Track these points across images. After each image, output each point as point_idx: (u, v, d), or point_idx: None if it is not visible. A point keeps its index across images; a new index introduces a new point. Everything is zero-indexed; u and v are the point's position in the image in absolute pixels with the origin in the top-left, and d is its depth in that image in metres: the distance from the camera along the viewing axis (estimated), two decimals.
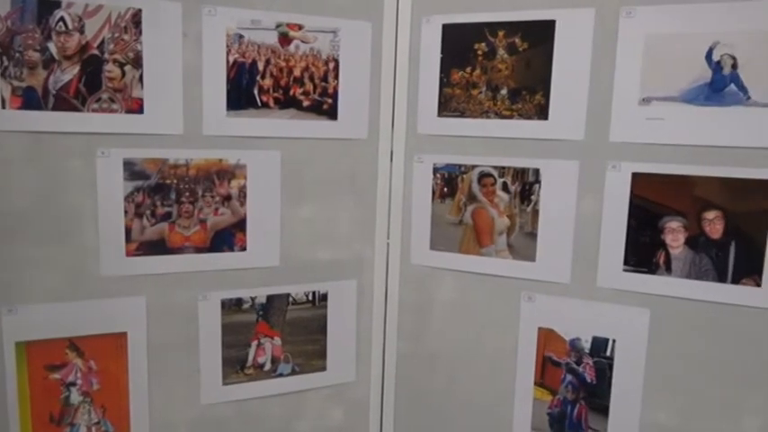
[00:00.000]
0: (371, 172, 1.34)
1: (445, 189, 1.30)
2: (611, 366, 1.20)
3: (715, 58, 1.07)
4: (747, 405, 1.10)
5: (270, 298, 1.29)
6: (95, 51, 1.09)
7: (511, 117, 1.22)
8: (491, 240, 1.27)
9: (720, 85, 1.07)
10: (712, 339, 1.12)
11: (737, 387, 1.11)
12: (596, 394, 1.21)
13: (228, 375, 1.28)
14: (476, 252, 1.28)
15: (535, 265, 1.23)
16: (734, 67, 1.06)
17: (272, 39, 1.22)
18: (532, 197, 1.22)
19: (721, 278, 1.10)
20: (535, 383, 1.26)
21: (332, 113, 1.28)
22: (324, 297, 1.34)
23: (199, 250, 1.21)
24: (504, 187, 1.25)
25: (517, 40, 1.21)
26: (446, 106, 1.28)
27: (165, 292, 1.20)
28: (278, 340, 1.31)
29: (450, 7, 1.25)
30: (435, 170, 1.30)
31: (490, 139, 1.25)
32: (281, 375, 1.32)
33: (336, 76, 1.28)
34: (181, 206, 1.19)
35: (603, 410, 1.21)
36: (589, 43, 1.14)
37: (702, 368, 1.13)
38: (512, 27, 1.20)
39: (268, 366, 1.31)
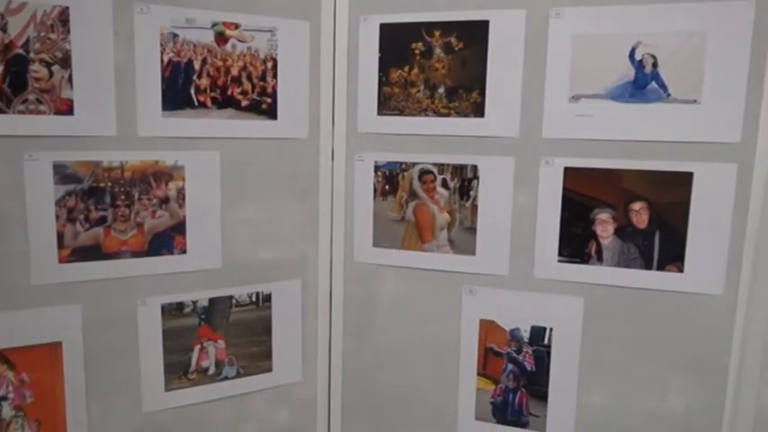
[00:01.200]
0: (313, 171, 1.34)
1: (386, 187, 1.31)
2: (549, 354, 1.25)
3: (637, 57, 1.13)
4: (674, 384, 1.18)
5: (212, 301, 1.27)
6: (20, 51, 1.05)
7: (448, 115, 1.25)
8: (432, 236, 1.29)
9: (643, 82, 1.13)
10: (641, 323, 1.18)
11: (665, 367, 1.18)
12: (536, 381, 1.26)
13: (171, 381, 1.25)
14: (418, 248, 1.31)
15: (475, 259, 1.26)
16: (654, 65, 1.12)
17: (208, 38, 1.20)
18: (471, 193, 1.26)
19: (648, 265, 1.16)
20: (478, 374, 1.30)
21: (271, 113, 1.27)
22: (268, 298, 1.33)
23: (136, 254, 1.18)
24: (444, 184, 1.28)
25: (453, 40, 1.24)
26: (385, 105, 1.29)
27: (102, 299, 1.17)
28: (222, 343, 1.30)
29: (386, 7, 1.26)
30: (376, 168, 1.32)
31: (429, 137, 1.27)
32: (225, 378, 1.31)
33: (275, 76, 1.27)
34: (116, 210, 1.16)
35: (543, 396, 1.26)
36: (521, 43, 1.19)
37: (632, 351, 1.19)
38: (447, 27, 1.23)
39: (212, 370, 1.29)
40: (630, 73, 1.13)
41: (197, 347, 1.27)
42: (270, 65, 1.26)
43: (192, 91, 1.20)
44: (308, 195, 1.35)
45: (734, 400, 1.13)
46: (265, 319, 1.33)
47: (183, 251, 1.22)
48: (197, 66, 1.19)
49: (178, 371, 1.26)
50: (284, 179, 1.32)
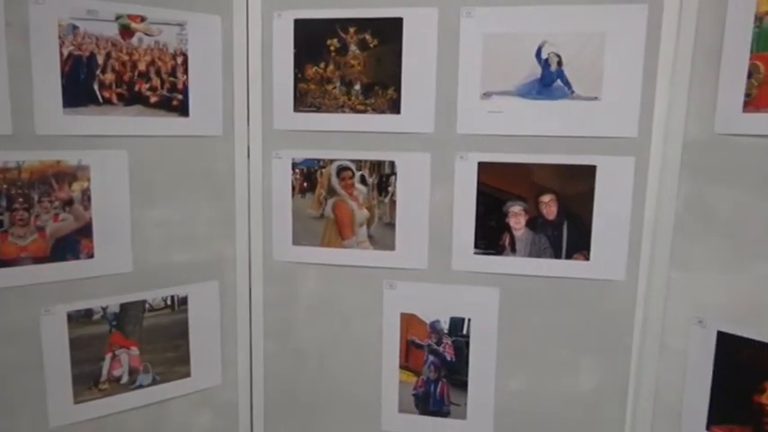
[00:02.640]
0: (228, 169, 1.31)
1: (305, 184, 1.30)
2: (467, 344, 1.28)
3: (543, 56, 1.18)
4: (583, 366, 1.24)
5: (123, 306, 1.22)
6: None
7: (365, 112, 1.26)
8: (352, 232, 1.30)
9: (549, 80, 1.18)
10: (552, 310, 1.24)
11: (575, 351, 1.24)
12: (456, 371, 1.29)
13: (81, 393, 1.18)
14: (338, 245, 1.31)
15: (395, 254, 1.28)
16: (559, 64, 1.18)
17: (111, 31, 1.14)
18: (389, 188, 1.27)
19: (557, 255, 1.22)
20: (400, 367, 1.32)
21: (183, 110, 1.23)
22: (184, 301, 1.29)
23: (38, 260, 1.11)
24: (363, 180, 1.28)
25: (368, 37, 1.24)
26: (302, 102, 1.28)
27: (1, 309, 1.09)
28: (135, 350, 1.24)
29: (301, 2, 1.25)
30: (294, 165, 1.30)
31: (347, 134, 1.27)
32: (140, 387, 1.25)
33: (186, 71, 1.23)
34: (13, 214, 1.08)
35: (463, 385, 1.29)
36: (434, 41, 1.21)
37: (545, 337, 1.25)
38: (362, 24, 1.24)
39: (125, 379, 1.24)
40: (537, 71, 1.18)
41: (108, 356, 1.21)
42: (180, 60, 1.22)
43: (96, 86, 1.14)
44: (223, 194, 1.31)
45: (636, 378, 1.21)
46: (182, 323, 1.29)
47: (91, 255, 1.16)
48: (100, 60, 1.13)
49: (88, 381, 1.19)
50: (198, 178, 1.28)
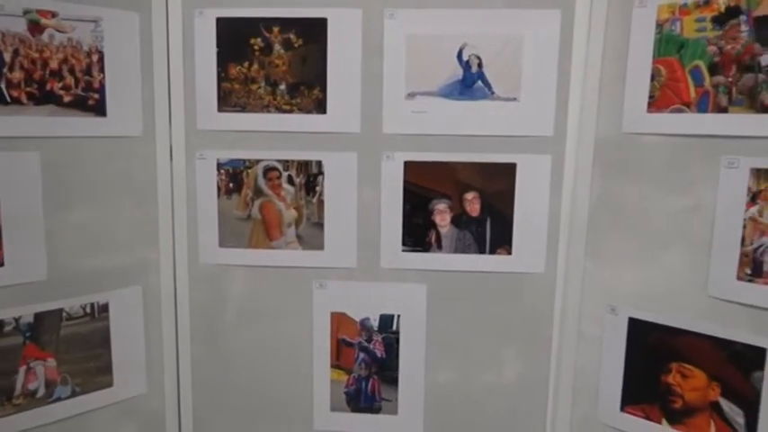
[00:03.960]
0: (150, 171, 1.27)
1: (231, 185, 1.28)
2: (397, 340, 1.30)
3: (464, 57, 1.21)
4: (507, 356, 1.29)
5: (38, 316, 1.16)
6: None
7: (291, 111, 1.25)
8: (280, 233, 1.29)
9: (470, 81, 1.22)
10: (478, 304, 1.28)
11: (499, 342, 1.29)
12: (386, 367, 1.31)
13: None
14: (266, 246, 1.29)
15: (324, 254, 1.28)
16: (480, 66, 1.22)
17: (19, 26, 1.08)
18: (317, 188, 1.27)
19: (481, 250, 1.26)
20: (331, 366, 1.32)
21: (99, 109, 1.19)
22: (104, 308, 1.24)
23: None
24: (290, 180, 1.28)
25: (292, 37, 1.24)
26: (226, 101, 1.26)
27: None
28: (52, 361, 1.18)
29: (223, 1, 1.23)
30: (219, 166, 1.28)
31: (273, 134, 1.26)
32: (58, 399, 1.20)
33: (102, 70, 1.18)
34: None
35: (394, 381, 1.31)
36: (359, 41, 1.22)
37: (471, 330, 1.29)
38: (286, 23, 1.23)
39: (42, 392, 1.18)
40: (459, 72, 1.22)
41: (22, 369, 1.15)
42: (95, 58, 1.17)
43: (3, 85, 1.08)
44: (145, 196, 1.27)
45: (557, 365, 1.27)
46: (102, 331, 1.24)
47: (0, 263, 1.10)
48: (7, 58, 1.07)
49: (0, 397, 1.13)
50: (118, 180, 1.23)
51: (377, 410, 1.32)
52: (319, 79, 1.24)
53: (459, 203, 1.25)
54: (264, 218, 1.29)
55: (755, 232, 1.00)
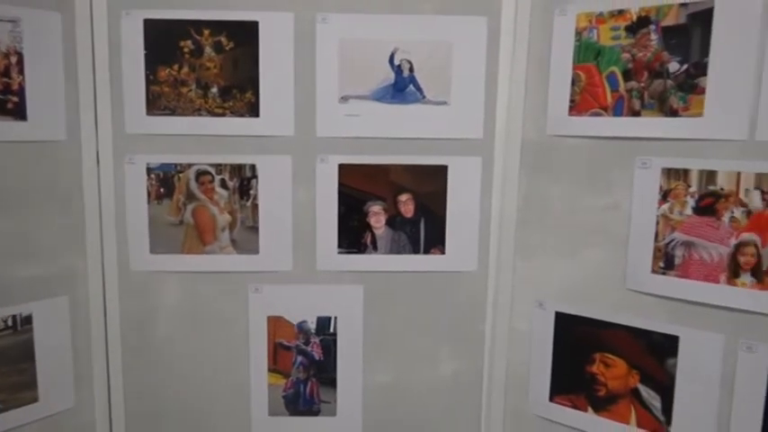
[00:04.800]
0: (75, 176, 1.23)
1: (161, 190, 1.26)
2: (335, 342, 1.31)
3: (396, 62, 1.24)
4: (442, 354, 1.32)
5: None
6: None
7: (223, 115, 1.24)
8: (214, 237, 1.27)
9: (402, 85, 1.24)
10: (413, 303, 1.31)
11: (435, 340, 1.32)
12: (325, 369, 1.32)
13: None
14: (199, 251, 1.28)
15: (259, 257, 1.28)
16: (411, 70, 1.24)
17: None
18: (251, 192, 1.27)
19: (416, 250, 1.29)
20: (269, 370, 1.31)
21: (19, 113, 1.14)
22: (28, 320, 1.19)
23: None
24: (223, 184, 1.26)
25: (223, 39, 1.23)
26: (155, 104, 1.24)
27: None
28: None
29: (151, 2, 1.21)
30: (149, 171, 1.25)
31: (204, 137, 1.25)
32: None
33: (21, 71, 1.14)
34: None
35: (332, 383, 1.32)
36: (291, 45, 1.22)
37: (408, 329, 1.31)
38: (216, 26, 1.22)
39: None
40: (391, 76, 1.24)
41: None
42: (14, 59, 1.13)
43: None
44: (71, 203, 1.23)
45: (490, 360, 1.31)
46: (26, 344, 1.19)
47: None
48: None
49: None
50: (40, 186, 1.19)
51: (316, 413, 1.33)
52: (252, 82, 1.23)
53: (394, 205, 1.28)
54: (197, 223, 1.27)
55: (667, 228, 1.07)
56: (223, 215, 1.27)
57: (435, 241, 1.29)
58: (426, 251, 1.29)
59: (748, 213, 1.00)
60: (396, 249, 1.29)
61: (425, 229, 1.29)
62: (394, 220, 1.28)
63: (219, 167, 1.26)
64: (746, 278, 1.01)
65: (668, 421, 1.11)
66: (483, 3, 1.22)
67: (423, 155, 1.26)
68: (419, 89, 1.25)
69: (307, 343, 1.31)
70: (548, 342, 1.23)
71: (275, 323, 1.30)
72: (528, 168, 1.23)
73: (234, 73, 1.23)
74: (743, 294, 1.01)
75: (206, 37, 1.22)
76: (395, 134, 1.25)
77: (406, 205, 1.28)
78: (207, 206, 1.27)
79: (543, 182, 1.22)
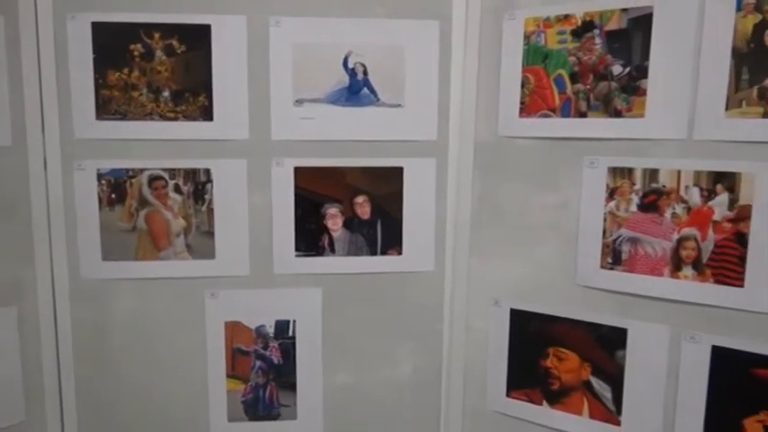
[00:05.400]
0: (21, 183, 1.20)
1: (113, 195, 1.23)
2: (294, 345, 1.31)
3: (350, 65, 1.25)
4: (401, 353, 1.34)
5: None
6: None
7: (176, 119, 1.23)
8: (168, 243, 1.26)
9: (356, 88, 1.25)
10: (372, 304, 1.32)
11: (393, 340, 1.33)
12: (284, 373, 1.31)
13: None
14: (153, 257, 1.26)
15: (215, 262, 1.27)
16: (365, 73, 1.25)
17: None
18: (206, 196, 1.25)
19: (373, 251, 1.30)
20: (227, 376, 1.30)
21: None
22: None
23: None
24: (177, 189, 1.25)
25: (175, 43, 1.21)
26: (105, 109, 1.21)
27: None
28: None
29: (98, 5, 1.18)
30: (100, 176, 1.23)
31: (157, 142, 1.23)
32: None
33: None
34: None
35: (292, 386, 1.32)
36: (244, 48, 1.22)
37: (366, 330, 1.32)
38: (167, 29, 1.21)
39: None
40: (345, 80, 1.25)
41: None
42: None
43: None
44: (16, 210, 1.20)
45: (448, 358, 1.33)
46: None
47: None
48: None
49: None
50: None
51: (276, 417, 1.32)
52: (204, 86, 1.22)
53: (350, 207, 1.28)
54: (151, 228, 1.25)
55: (614, 225, 1.11)
56: (177, 220, 1.25)
57: (392, 242, 1.30)
58: (383, 252, 1.30)
59: (688, 209, 1.04)
60: (353, 251, 1.29)
61: (382, 230, 1.30)
62: (351, 222, 1.29)
63: (173, 172, 1.24)
64: (688, 271, 1.05)
65: (618, 411, 1.15)
66: (435, 7, 1.24)
67: (378, 157, 1.27)
68: (373, 92, 1.26)
69: (265, 347, 1.30)
70: (503, 339, 1.26)
71: (233, 328, 1.29)
72: (481, 169, 1.26)
73: (186, 77, 1.22)
74: (685, 286, 1.06)
75: (156, 40, 1.21)
76: (350, 137, 1.26)
77: (363, 207, 1.29)
78: (160, 211, 1.25)
79: (496, 182, 1.24)
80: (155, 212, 1.25)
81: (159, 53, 1.21)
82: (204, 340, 1.29)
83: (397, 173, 1.28)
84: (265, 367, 1.31)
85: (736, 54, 0.98)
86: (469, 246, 1.28)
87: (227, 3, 1.20)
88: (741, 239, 1.00)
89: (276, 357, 1.31)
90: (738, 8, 0.97)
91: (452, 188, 1.29)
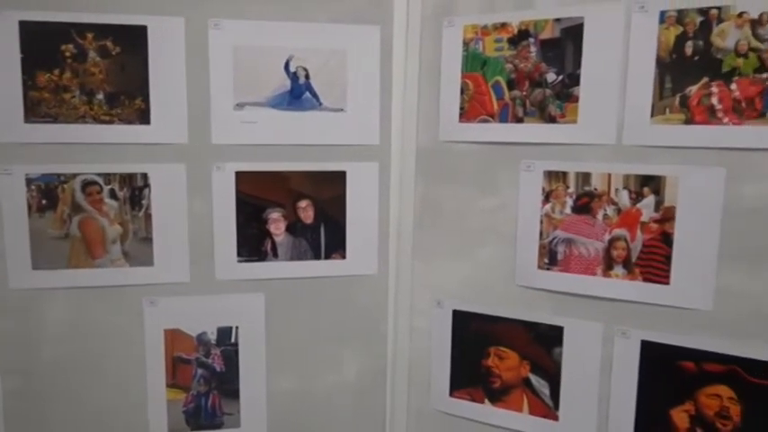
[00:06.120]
0: None
1: (43, 201, 1.18)
2: (237, 352, 1.29)
3: (292, 69, 1.24)
4: (346, 356, 1.34)
5: None
6: None
7: (111, 122, 1.19)
8: (104, 251, 1.22)
9: (298, 92, 1.25)
10: (316, 308, 1.31)
11: (338, 343, 1.33)
12: (227, 381, 1.29)
13: None
14: (88, 265, 1.21)
15: (154, 269, 1.23)
16: (307, 77, 1.25)
17: None
18: (143, 202, 1.22)
19: (317, 256, 1.29)
20: (167, 386, 1.27)
21: None
22: None
23: None
24: (112, 194, 1.21)
25: (109, 44, 1.18)
26: (34, 111, 1.16)
27: None
28: None
29: (26, 3, 1.14)
30: (29, 182, 1.18)
31: (91, 146, 1.19)
32: None
33: None
34: None
35: (235, 394, 1.30)
36: (182, 50, 1.19)
37: (311, 334, 1.32)
38: (101, 30, 1.17)
39: None
40: (287, 83, 1.24)
41: None
42: None
43: None
44: None
45: (392, 360, 1.35)
46: None
47: None
48: None
49: None
50: None
51: (218, 426, 1.30)
52: (141, 89, 1.19)
53: (293, 211, 1.28)
54: (85, 235, 1.21)
55: (550, 227, 1.16)
56: (113, 227, 1.21)
57: (336, 246, 1.30)
58: (327, 256, 1.30)
59: (618, 211, 1.09)
60: (296, 256, 1.29)
61: (326, 234, 1.30)
62: (294, 227, 1.28)
63: (108, 177, 1.20)
64: (619, 270, 1.10)
65: (556, 406, 1.19)
66: (376, 12, 1.25)
67: (321, 161, 1.27)
68: (315, 96, 1.26)
69: (207, 355, 1.28)
70: (446, 339, 1.28)
71: (173, 336, 1.26)
72: (423, 173, 1.28)
73: (121, 79, 1.19)
74: (616, 285, 1.11)
75: (90, 41, 1.17)
76: (292, 141, 1.26)
77: (306, 211, 1.28)
78: (95, 218, 1.21)
79: (438, 186, 1.27)
80: (89, 219, 1.20)
81: (93, 54, 1.17)
82: (143, 350, 1.25)
83: (339, 177, 1.28)
84: (207, 375, 1.28)
85: (660, 64, 1.04)
86: (412, 248, 1.30)
87: (165, 4, 1.18)
88: (667, 239, 1.06)
89: (218, 365, 1.28)
90: (661, 20, 1.03)
91: (395, 192, 1.30)
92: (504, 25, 1.17)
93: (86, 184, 1.19)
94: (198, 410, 1.29)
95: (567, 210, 1.14)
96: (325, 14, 1.24)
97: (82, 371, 1.24)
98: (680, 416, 1.08)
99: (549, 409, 1.20)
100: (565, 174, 1.13)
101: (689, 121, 1.02)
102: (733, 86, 0.99)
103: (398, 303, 1.33)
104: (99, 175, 1.20)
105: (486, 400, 1.26)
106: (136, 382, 1.26)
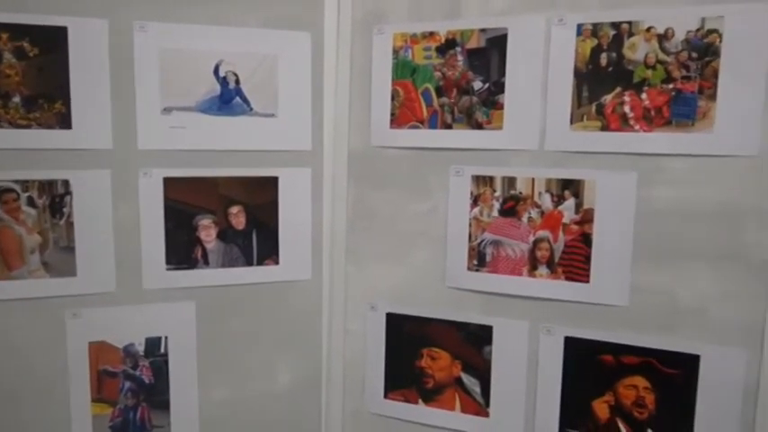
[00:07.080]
0: None
1: None
2: (167, 362, 1.26)
3: (221, 74, 1.23)
4: (280, 362, 1.33)
5: None
6: None
7: (28, 126, 1.14)
8: (22, 261, 1.16)
9: (228, 97, 1.24)
10: (249, 316, 1.30)
11: (272, 350, 1.32)
12: (156, 392, 1.26)
13: None
14: (4, 277, 1.15)
15: (77, 280, 1.18)
16: (237, 82, 1.24)
17: None
18: (65, 210, 1.17)
19: (249, 262, 1.28)
20: (92, 400, 1.22)
21: None
22: None
23: None
24: (31, 202, 1.15)
25: (26, 45, 1.13)
26: None
27: None
28: None
29: None
30: None
31: (6, 151, 1.13)
32: None
33: None
34: None
35: (165, 406, 1.26)
36: (106, 53, 1.16)
37: (244, 342, 1.30)
38: (17, 30, 1.12)
39: None
40: (217, 88, 1.23)
41: None
42: None
43: None
44: None
45: (327, 364, 1.35)
46: None
47: None
48: None
49: None
50: None
51: None
52: (61, 92, 1.14)
53: (225, 218, 1.26)
54: (1, 246, 1.15)
55: (478, 229, 1.20)
56: (32, 236, 1.16)
57: (269, 252, 1.29)
58: (260, 263, 1.29)
59: (542, 213, 1.15)
60: (228, 262, 1.27)
61: (258, 240, 1.29)
62: (225, 233, 1.26)
63: (26, 184, 1.15)
64: (543, 270, 1.15)
65: (487, 403, 1.23)
66: (306, 18, 1.26)
67: (252, 167, 1.26)
68: (246, 101, 1.25)
69: (135, 367, 1.24)
70: (380, 342, 1.30)
71: (98, 349, 1.22)
72: (355, 178, 1.29)
73: (40, 81, 1.14)
74: (541, 284, 1.16)
75: (4, 42, 1.11)
76: (223, 146, 1.24)
77: (237, 217, 1.27)
78: (11, 227, 1.15)
79: (370, 190, 1.28)
80: (4, 228, 1.14)
81: (8, 56, 1.12)
82: (66, 364, 1.20)
83: (271, 182, 1.28)
84: (135, 388, 1.24)
85: (578, 74, 1.10)
86: (345, 253, 1.31)
87: (87, 4, 1.14)
88: (586, 240, 1.12)
89: (147, 377, 1.25)
90: (578, 33, 1.09)
91: (328, 197, 1.31)
92: (432, 34, 1.20)
93: (2, 192, 1.13)
94: (126, 424, 1.24)
95: (495, 213, 1.18)
96: (255, 19, 1.23)
97: (0, 389, 1.18)
98: (601, 406, 1.14)
99: (480, 407, 1.23)
100: (492, 178, 1.17)
101: (604, 127, 1.09)
102: (643, 96, 1.06)
103: (332, 308, 1.33)
104: (16, 182, 1.14)
105: (420, 401, 1.28)
106: (58, 399, 1.20)
